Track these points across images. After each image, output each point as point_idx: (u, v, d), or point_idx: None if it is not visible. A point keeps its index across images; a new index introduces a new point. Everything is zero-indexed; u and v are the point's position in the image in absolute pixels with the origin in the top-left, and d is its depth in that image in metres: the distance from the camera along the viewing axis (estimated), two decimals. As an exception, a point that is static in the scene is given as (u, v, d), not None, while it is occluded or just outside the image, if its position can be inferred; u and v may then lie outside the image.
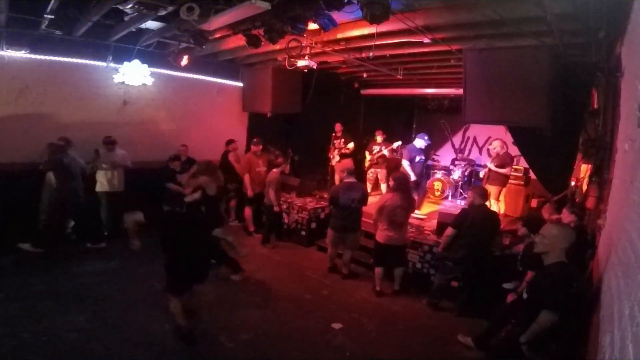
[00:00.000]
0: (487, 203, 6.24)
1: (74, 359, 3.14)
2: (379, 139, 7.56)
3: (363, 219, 5.23)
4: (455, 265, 4.31)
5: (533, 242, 3.63)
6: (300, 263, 5.70)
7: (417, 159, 6.60)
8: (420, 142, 6.73)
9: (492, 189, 6.16)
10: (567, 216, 3.77)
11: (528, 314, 2.74)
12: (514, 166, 6.48)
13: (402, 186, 4.68)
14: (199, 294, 4.38)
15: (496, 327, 3.49)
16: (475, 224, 4.18)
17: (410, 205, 4.62)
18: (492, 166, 6.15)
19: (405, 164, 6.54)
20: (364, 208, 5.19)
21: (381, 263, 4.78)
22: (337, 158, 7.84)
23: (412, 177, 6.21)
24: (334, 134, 7.94)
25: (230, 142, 7.06)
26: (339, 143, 7.77)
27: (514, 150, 5.84)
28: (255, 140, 6.83)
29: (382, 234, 4.64)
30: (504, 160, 6.11)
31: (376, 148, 7.51)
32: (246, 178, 6.41)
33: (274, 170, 6.14)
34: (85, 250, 5.34)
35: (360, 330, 3.97)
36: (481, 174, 6.75)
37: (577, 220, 3.70)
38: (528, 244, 3.79)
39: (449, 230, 4.31)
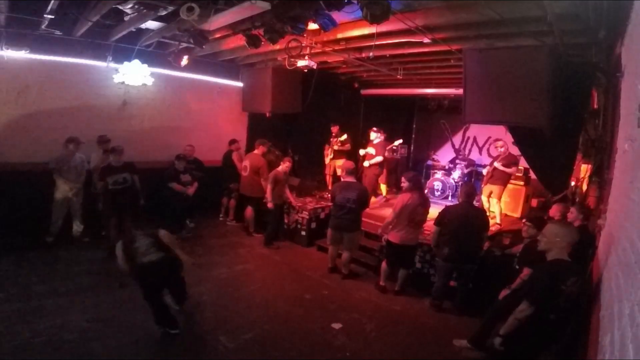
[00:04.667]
0: (487, 202, 6.31)
1: (74, 359, 3.14)
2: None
3: (364, 219, 5.23)
4: (445, 263, 4.36)
5: (534, 241, 3.66)
6: (300, 263, 5.70)
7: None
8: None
9: (494, 188, 6.16)
10: (574, 216, 3.79)
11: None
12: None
13: (418, 185, 4.73)
14: (199, 294, 4.40)
15: (490, 325, 3.51)
16: (453, 220, 4.28)
17: (427, 203, 4.66)
18: (498, 165, 6.15)
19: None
20: (368, 210, 5.18)
21: (394, 263, 4.78)
22: (330, 155, 7.90)
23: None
24: (333, 136, 7.96)
25: (233, 141, 7.15)
26: (336, 141, 7.79)
27: (514, 150, 5.84)
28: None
29: (397, 235, 4.60)
30: (510, 160, 6.11)
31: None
32: (265, 184, 6.34)
33: (277, 169, 6.16)
34: (86, 249, 5.35)
35: (360, 330, 3.97)
36: (484, 172, 6.73)
37: (583, 219, 3.72)
38: (528, 243, 3.79)
39: (432, 228, 4.52)
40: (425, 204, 4.64)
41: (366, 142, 7.94)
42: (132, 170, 5.42)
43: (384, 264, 4.83)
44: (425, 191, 8.17)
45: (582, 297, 2.53)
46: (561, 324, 2.56)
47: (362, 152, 7.30)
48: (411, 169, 9.91)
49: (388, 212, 4.82)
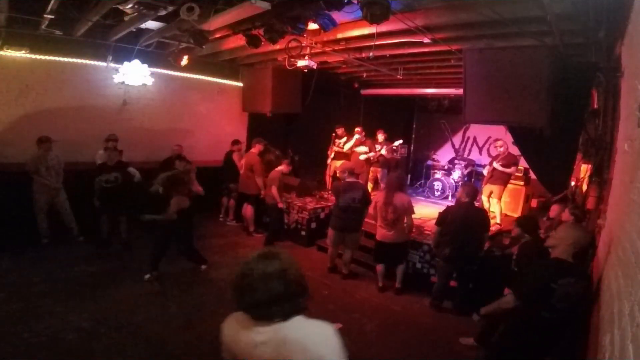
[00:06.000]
0: (487, 202, 6.31)
1: (74, 359, 3.14)
2: (381, 137, 7.58)
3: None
4: (445, 263, 4.35)
5: (527, 242, 3.67)
6: (300, 263, 5.51)
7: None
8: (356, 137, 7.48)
9: (495, 188, 6.16)
10: (566, 216, 3.78)
11: None
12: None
13: (389, 185, 4.74)
14: (199, 294, 4.40)
15: (495, 322, 3.50)
16: (455, 221, 4.26)
17: (401, 204, 4.59)
18: (497, 166, 6.14)
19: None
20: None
21: (380, 260, 4.85)
22: (332, 155, 7.91)
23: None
24: (334, 134, 7.95)
25: (236, 142, 7.14)
26: (339, 143, 7.80)
27: (514, 150, 5.84)
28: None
29: (378, 232, 4.73)
30: (510, 160, 6.11)
31: (377, 147, 7.54)
32: (259, 180, 6.38)
33: (276, 169, 6.14)
34: (84, 248, 5.36)
35: (360, 331, 3.96)
36: (484, 172, 6.74)
37: (574, 220, 3.70)
38: (523, 244, 3.79)
39: (434, 228, 4.51)
40: (391, 204, 4.56)
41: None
42: (124, 170, 5.41)
43: (378, 267, 4.87)
44: (425, 191, 8.24)
45: (585, 299, 2.50)
46: (560, 325, 2.54)
47: (347, 146, 7.60)
48: (411, 169, 9.94)
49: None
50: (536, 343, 2.62)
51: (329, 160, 8.06)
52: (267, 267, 1.31)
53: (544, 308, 2.51)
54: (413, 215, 4.79)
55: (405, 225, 4.68)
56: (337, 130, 7.86)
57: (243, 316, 1.35)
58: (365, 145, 7.43)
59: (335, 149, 7.80)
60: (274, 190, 5.97)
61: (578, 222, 3.69)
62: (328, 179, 8.08)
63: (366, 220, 5.27)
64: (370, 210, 4.93)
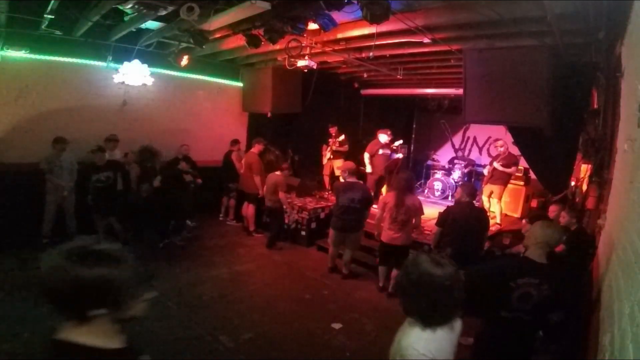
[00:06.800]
0: (488, 202, 6.31)
1: (74, 359, 3.14)
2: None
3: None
4: None
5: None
6: (300, 263, 5.70)
7: (380, 152, 7.09)
8: (383, 137, 7.10)
9: (495, 188, 6.16)
10: (564, 218, 3.77)
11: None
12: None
13: (398, 185, 4.69)
14: (199, 294, 4.40)
15: None
16: (457, 221, 4.21)
17: (412, 205, 4.58)
18: (498, 166, 6.14)
19: (366, 156, 7.06)
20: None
21: (385, 262, 4.80)
22: (328, 155, 7.88)
23: (368, 169, 6.91)
24: (331, 136, 7.94)
25: (234, 142, 7.16)
26: (334, 142, 7.78)
27: (514, 150, 5.84)
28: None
29: (385, 234, 4.64)
30: (510, 160, 6.11)
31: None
32: (257, 179, 6.39)
33: (277, 172, 6.11)
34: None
35: (360, 330, 3.97)
36: (485, 172, 6.74)
37: (575, 222, 3.69)
38: None
39: (434, 229, 4.46)
40: (403, 205, 4.50)
41: (367, 143, 7.87)
42: (116, 170, 5.40)
43: (380, 268, 4.85)
44: (425, 191, 8.24)
45: (556, 303, 2.39)
46: (526, 327, 2.44)
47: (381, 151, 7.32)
48: (411, 169, 9.93)
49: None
50: (504, 345, 2.54)
51: (324, 160, 8.05)
52: (442, 275, 1.42)
53: (502, 307, 2.43)
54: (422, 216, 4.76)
55: (412, 225, 4.65)
56: (330, 130, 7.85)
57: (420, 329, 1.52)
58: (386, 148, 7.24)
59: (334, 148, 7.79)
60: (282, 195, 5.96)
61: (577, 224, 3.69)
62: (326, 179, 8.08)
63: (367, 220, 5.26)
64: (377, 211, 4.81)
